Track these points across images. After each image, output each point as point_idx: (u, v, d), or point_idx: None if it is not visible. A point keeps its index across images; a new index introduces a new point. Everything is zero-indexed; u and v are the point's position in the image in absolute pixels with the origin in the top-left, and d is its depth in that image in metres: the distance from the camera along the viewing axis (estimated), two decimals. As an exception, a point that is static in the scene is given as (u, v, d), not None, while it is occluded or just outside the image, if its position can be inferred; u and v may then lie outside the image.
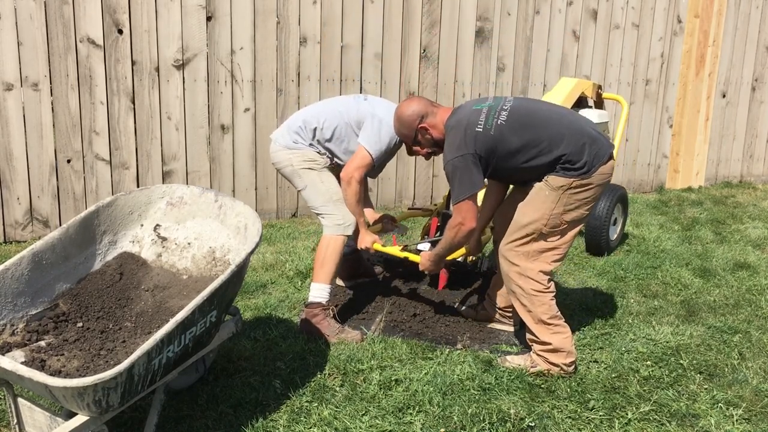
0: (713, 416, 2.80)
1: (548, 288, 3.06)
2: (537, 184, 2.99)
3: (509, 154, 2.95)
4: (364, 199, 3.60)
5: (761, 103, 7.09)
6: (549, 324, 3.05)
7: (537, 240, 3.02)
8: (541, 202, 2.99)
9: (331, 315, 3.41)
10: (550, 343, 3.04)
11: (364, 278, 4.08)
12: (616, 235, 4.85)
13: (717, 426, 2.75)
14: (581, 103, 4.80)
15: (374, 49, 5.42)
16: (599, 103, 5.05)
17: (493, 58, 5.87)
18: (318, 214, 3.46)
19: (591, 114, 4.57)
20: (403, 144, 3.40)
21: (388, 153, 3.48)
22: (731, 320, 3.70)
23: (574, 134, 2.95)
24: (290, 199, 5.42)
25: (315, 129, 3.42)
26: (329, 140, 3.43)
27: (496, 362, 3.14)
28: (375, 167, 3.48)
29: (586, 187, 2.96)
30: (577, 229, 3.06)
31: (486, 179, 3.07)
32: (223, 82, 5.02)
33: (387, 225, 3.94)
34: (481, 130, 2.95)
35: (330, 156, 3.47)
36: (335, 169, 3.51)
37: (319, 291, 3.39)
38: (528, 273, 3.04)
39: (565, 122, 2.98)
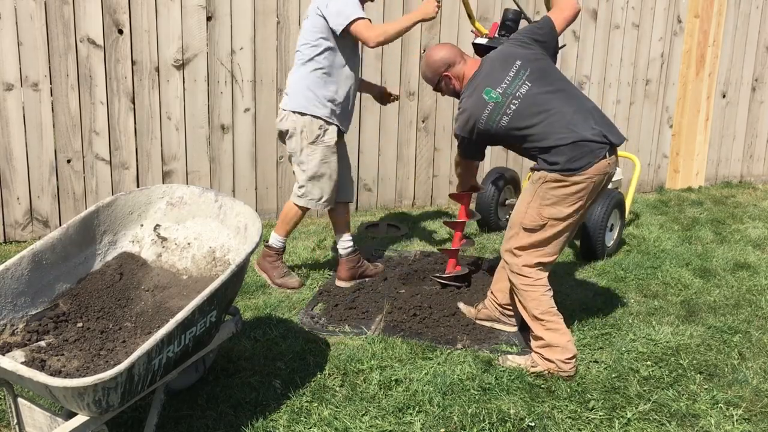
0: (713, 416, 2.81)
1: (536, 282, 3.08)
2: (525, 183, 3.11)
3: (503, 141, 3.19)
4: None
5: (761, 103, 7.09)
6: (541, 320, 3.07)
7: (519, 234, 3.08)
8: (524, 195, 3.11)
9: (281, 260, 4.02)
10: (543, 339, 3.07)
11: (364, 278, 4.09)
12: (612, 242, 4.72)
13: (717, 426, 2.75)
14: None
15: (374, 49, 5.42)
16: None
17: (493, 58, 5.87)
18: (296, 179, 3.89)
19: None
20: None
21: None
22: (731, 320, 3.70)
23: (566, 129, 2.95)
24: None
25: (324, 89, 3.72)
26: (333, 97, 3.75)
27: (496, 362, 3.14)
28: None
29: (563, 183, 2.96)
30: (561, 227, 3.03)
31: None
32: (223, 82, 5.02)
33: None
34: (482, 127, 3.08)
35: (329, 119, 3.76)
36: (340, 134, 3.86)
37: (275, 239, 4.00)
38: (515, 268, 3.11)
39: (566, 117, 2.97)
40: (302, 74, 3.74)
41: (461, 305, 3.67)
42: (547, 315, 3.07)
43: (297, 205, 3.91)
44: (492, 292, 3.50)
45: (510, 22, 3.81)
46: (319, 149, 3.77)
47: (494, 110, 3.03)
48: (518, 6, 4.08)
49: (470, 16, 4.22)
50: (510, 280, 3.19)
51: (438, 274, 3.97)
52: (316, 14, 3.66)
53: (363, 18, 3.58)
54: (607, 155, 2.99)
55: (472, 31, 4.17)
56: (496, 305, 3.49)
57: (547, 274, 3.14)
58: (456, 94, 3.28)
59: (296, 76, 3.78)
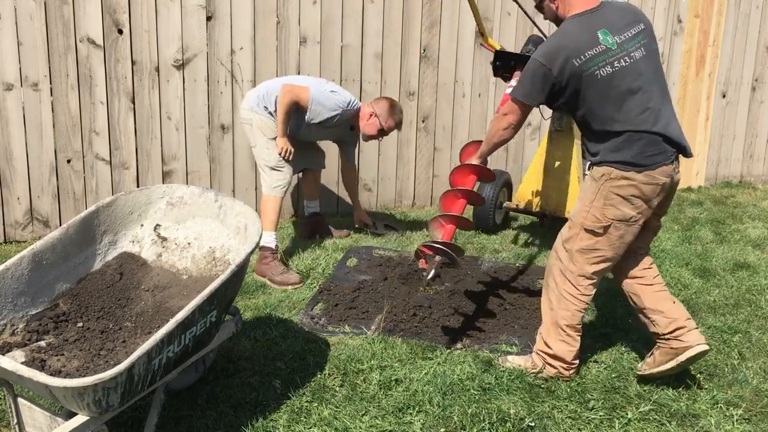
0: (713, 416, 2.81)
1: (582, 296, 2.94)
2: (586, 177, 2.92)
3: (578, 98, 2.80)
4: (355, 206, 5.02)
5: (761, 103, 7.09)
6: (563, 331, 2.97)
7: (580, 235, 2.88)
8: (585, 192, 2.89)
9: (278, 258, 4.15)
10: (551, 348, 2.99)
11: (324, 236, 4.80)
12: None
13: (717, 426, 2.75)
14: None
15: (374, 49, 5.42)
16: None
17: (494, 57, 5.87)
18: (261, 172, 4.30)
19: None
20: (342, 126, 4.41)
21: (329, 117, 4.22)
22: (731, 320, 3.70)
23: (652, 118, 2.75)
24: (290, 199, 5.42)
25: (272, 102, 4.18)
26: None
27: (496, 362, 3.14)
28: (305, 120, 4.21)
29: (629, 182, 2.76)
30: (624, 230, 2.83)
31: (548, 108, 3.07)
32: (223, 82, 5.02)
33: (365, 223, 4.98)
34: (576, 65, 2.74)
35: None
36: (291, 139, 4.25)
37: (266, 238, 4.15)
38: (568, 274, 2.93)
39: (657, 106, 2.77)
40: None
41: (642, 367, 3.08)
42: (571, 330, 2.97)
43: (268, 195, 4.24)
44: (653, 335, 3.02)
45: (531, 45, 4.11)
46: (272, 142, 4.20)
47: (601, 55, 2.73)
48: (519, 6, 4.14)
49: (482, 33, 4.30)
50: (551, 279, 2.99)
51: (430, 242, 3.25)
52: (320, 83, 4.35)
53: (310, 97, 4.15)
54: (675, 162, 2.84)
55: (481, 44, 4.24)
56: (666, 339, 2.97)
57: (594, 291, 2.99)
58: (556, 19, 2.96)
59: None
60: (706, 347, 2.89)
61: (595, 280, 2.96)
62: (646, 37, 2.84)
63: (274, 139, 4.19)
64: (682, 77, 6.70)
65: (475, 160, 3.31)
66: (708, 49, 6.66)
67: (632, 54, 2.77)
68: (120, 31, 4.68)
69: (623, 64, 2.75)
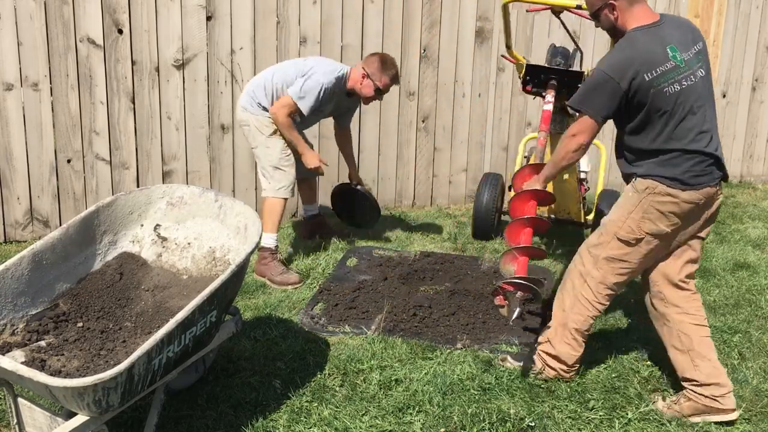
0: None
1: (599, 304, 2.90)
2: (627, 186, 2.82)
3: (639, 114, 2.71)
4: (349, 166, 4.69)
5: (761, 103, 7.09)
6: (570, 334, 2.94)
7: (611, 243, 2.81)
8: (624, 202, 2.81)
9: (278, 259, 4.11)
10: (555, 349, 2.97)
11: (326, 235, 4.71)
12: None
13: (717, 426, 2.75)
14: None
15: (374, 49, 5.41)
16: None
17: (493, 58, 5.87)
18: (262, 174, 4.18)
19: (582, 160, 4.50)
20: (348, 100, 4.29)
21: (317, 101, 4.01)
22: (731, 320, 3.70)
23: (705, 138, 2.70)
24: (290, 199, 5.41)
25: (265, 97, 4.08)
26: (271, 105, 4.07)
27: (496, 362, 3.14)
28: (304, 116, 4.06)
29: (673, 199, 2.70)
30: (655, 245, 2.78)
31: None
32: (223, 82, 5.02)
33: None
34: (646, 79, 2.64)
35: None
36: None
37: (266, 239, 4.09)
38: (590, 279, 2.87)
39: (709, 128, 2.72)
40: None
41: (659, 403, 2.95)
42: (578, 334, 2.94)
43: (273, 198, 4.15)
44: (687, 379, 2.89)
45: (560, 57, 4.00)
46: (278, 140, 4.11)
47: (672, 71, 2.65)
48: (562, 23, 4.08)
49: (509, 46, 4.21)
50: (569, 281, 2.92)
51: (508, 278, 3.02)
52: (297, 70, 4.11)
53: (292, 102, 3.99)
54: (719, 185, 2.79)
55: (503, 55, 4.19)
56: (700, 390, 2.83)
57: (609, 303, 2.94)
58: (612, 30, 2.85)
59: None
60: (737, 416, 2.80)
61: (613, 292, 2.91)
62: (704, 57, 2.79)
63: (272, 135, 4.09)
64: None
65: (538, 185, 3.10)
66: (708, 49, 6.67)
67: (696, 73, 2.71)
68: (120, 31, 4.68)
69: (689, 82, 2.69)
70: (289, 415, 2.72)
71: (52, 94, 4.62)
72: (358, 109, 4.73)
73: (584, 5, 3.24)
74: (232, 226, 2.88)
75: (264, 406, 2.77)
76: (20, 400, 2.34)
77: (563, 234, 4.88)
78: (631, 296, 4.00)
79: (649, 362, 3.19)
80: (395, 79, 4.28)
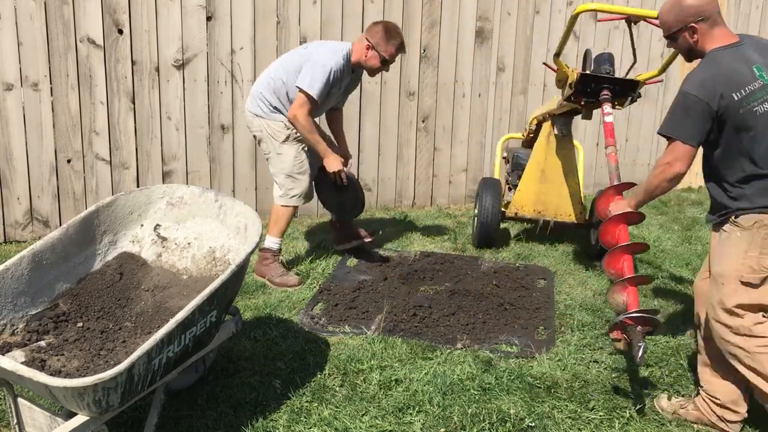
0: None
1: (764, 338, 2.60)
2: (724, 229, 2.64)
3: (723, 141, 2.59)
4: (340, 143, 4.33)
5: (761, 103, 7.09)
6: None
7: (738, 291, 2.59)
8: (735, 243, 2.61)
9: (279, 261, 4.08)
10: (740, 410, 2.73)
11: (355, 241, 4.40)
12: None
13: (717, 426, 2.75)
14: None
15: (374, 49, 5.42)
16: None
17: (493, 58, 5.87)
18: (274, 180, 4.07)
19: None
20: (352, 76, 4.08)
21: (327, 84, 3.84)
22: (731, 320, 3.69)
23: None
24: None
25: (275, 98, 3.94)
26: (284, 105, 3.94)
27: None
28: (318, 104, 3.89)
29: None
30: None
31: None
32: (223, 82, 5.02)
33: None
34: (735, 100, 2.53)
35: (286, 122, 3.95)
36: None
37: (270, 241, 4.06)
38: (743, 330, 2.60)
39: None
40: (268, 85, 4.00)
41: (663, 401, 2.91)
42: None
43: (283, 206, 4.04)
44: (705, 390, 2.81)
45: (608, 64, 3.85)
46: (291, 147, 3.97)
47: (760, 90, 2.53)
48: (631, 36, 3.96)
49: (558, 54, 4.04)
50: (733, 347, 2.63)
51: (631, 312, 2.78)
52: (299, 58, 3.95)
53: (310, 96, 3.80)
54: None
55: (545, 63, 4.12)
56: (714, 406, 2.77)
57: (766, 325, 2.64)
58: (690, 53, 2.75)
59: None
60: None
61: (765, 322, 2.62)
62: None
63: (285, 142, 3.95)
64: (682, 77, 6.70)
65: (629, 208, 2.94)
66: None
67: None
68: (120, 31, 4.68)
69: None
70: (289, 415, 2.72)
71: (52, 94, 4.62)
72: (358, 103, 4.66)
73: None
74: (232, 226, 2.88)
75: (264, 406, 2.77)
76: (20, 400, 2.34)
77: (563, 234, 4.89)
78: (631, 296, 4.00)
79: (649, 362, 3.19)
80: (401, 48, 4.05)
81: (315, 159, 4.08)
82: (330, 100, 4.06)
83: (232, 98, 5.06)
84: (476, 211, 4.82)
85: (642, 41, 6.44)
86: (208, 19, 4.88)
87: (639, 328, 2.71)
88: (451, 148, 5.87)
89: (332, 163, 3.99)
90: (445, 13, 5.59)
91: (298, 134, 3.94)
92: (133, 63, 4.75)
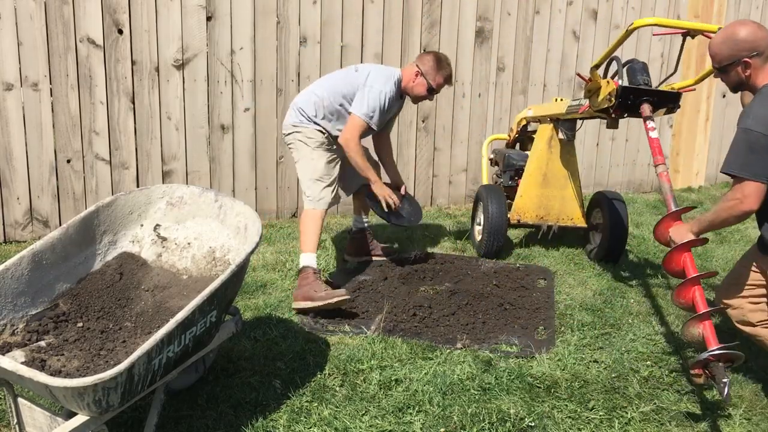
0: (713, 416, 2.80)
1: None
2: None
3: None
4: (390, 172, 4.33)
5: (761, 103, 7.09)
6: None
7: None
8: None
9: (320, 279, 3.72)
10: None
11: (371, 256, 4.38)
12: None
13: (717, 426, 2.75)
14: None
15: (374, 50, 5.42)
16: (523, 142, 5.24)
17: (493, 58, 5.87)
18: (303, 190, 3.94)
19: None
20: (400, 102, 4.07)
21: (383, 112, 3.87)
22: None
23: None
24: (290, 199, 5.42)
25: (313, 110, 3.89)
26: (323, 119, 3.90)
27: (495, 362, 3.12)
28: (375, 131, 3.94)
29: None
30: None
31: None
32: (223, 82, 5.02)
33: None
34: None
35: (324, 131, 3.91)
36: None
37: (307, 259, 3.77)
38: None
39: None
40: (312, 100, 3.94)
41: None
42: None
43: (313, 209, 3.88)
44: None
45: (644, 74, 3.70)
46: (324, 154, 3.89)
47: None
48: (680, 53, 3.77)
49: (597, 66, 3.85)
50: None
51: (714, 350, 2.67)
52: (355, 79, 3.91)
53: (366, 123, 3.82)
54: None
55: (578, 74, 4.04)
56: None
57: None
58: (740, 86, 2.76)
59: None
60: None
61: None
62: None
63: (318, 147, 3.87)
64: (682, 77, 6.70)
65: (692, 236, 2.89)
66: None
67: None
68: (120, 31, 4.68)
69: None
70: (289, 415, 2.72)
71: (52, 94, 4.62)
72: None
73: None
74: (232, 226, 2.88)
75: (264, 406, 2.77)
76: (20, 400, 2.34)
77: (563, 235, 4.89)
78: (630, 296, 4.00)
79: (649, 362, 3.19)
80: (449, 80, 4.08)
81: (356, 173, 4.01)
82: (379, 128, 4.02)
83: (232, 98, 5.06)
84: (480, 220, 4.71)
85: (642, 42, 6.45)
86: (208, 19, 4.89)
87: (721, 363, 2.62)
88: (451, 148, 5.87)
89: (380, 189, 4.01)
90: (445, 13, 5.59)
91: (333, 146, 3.92)
92: (133, 63, 4.75)
